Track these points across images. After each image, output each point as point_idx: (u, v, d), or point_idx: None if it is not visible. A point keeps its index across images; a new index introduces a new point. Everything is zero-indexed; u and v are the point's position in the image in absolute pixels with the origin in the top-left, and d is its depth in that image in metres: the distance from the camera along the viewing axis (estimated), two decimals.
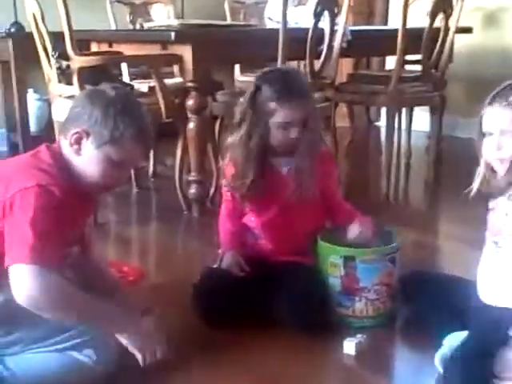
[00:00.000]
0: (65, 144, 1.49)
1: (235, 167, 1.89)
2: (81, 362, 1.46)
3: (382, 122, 4.41)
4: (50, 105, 3.23)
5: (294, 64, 3.49)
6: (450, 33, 3.30)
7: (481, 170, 1.59)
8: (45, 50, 2.81)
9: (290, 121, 1.81)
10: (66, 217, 1.40)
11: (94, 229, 1.78)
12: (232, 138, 1.91)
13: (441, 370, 1.53)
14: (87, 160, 1.48)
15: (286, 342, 1.73)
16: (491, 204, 1.63)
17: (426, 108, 3.58)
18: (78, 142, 1.46)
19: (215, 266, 1.96)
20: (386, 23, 4.98)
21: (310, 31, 2.82)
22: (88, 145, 1.46)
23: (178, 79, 3.15)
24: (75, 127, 1.46)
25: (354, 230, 1.89)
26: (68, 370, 1.45)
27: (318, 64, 2.99)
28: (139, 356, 1.51)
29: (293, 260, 1.89)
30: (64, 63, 2.72)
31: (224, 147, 1.99)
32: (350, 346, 1.68)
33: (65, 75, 2.76)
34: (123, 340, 1.50)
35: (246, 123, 1.84)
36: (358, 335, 1.71)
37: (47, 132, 3.50)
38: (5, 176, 1.42)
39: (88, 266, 1.68)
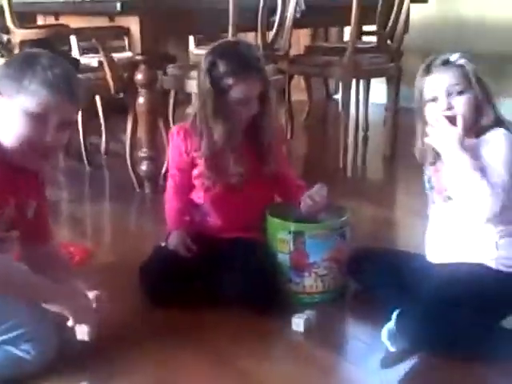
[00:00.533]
0: None
1: (198, 135, 1.83)
2: (18, 358, 1.39)
3: (341, 96, 4.37)
4: None
5: (251, 36, 3.42)
6: (405, 2, 3.26)
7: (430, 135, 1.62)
8: None
9: (248, 96, 1.78)
10: None
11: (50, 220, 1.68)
12: (192, 109, 1.89)
13: (388, 344, 1.51)
14: (4, 120, 1.39)
15: (234, 320, 1.69)
16: (435, 167, 1.67)
17: (383, 80, 3.54)
18: None
19: (163, 244, 1.91)
20: None
21: (262, 0, 2.75)
22: (1, 103, 1.39)
23: (129, 53, 3.06)
24: None
25: (310, 194, 1.84)
26: (5, 366, 1.39)
27: (271, 35, 2.93)
28: (71, 319, 1.46)
29: (242, 236, 1.85)
30: (5, 37, 2.62)
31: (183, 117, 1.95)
32: (298, 323, 1.65)
33: (7, 50, 2.66)
34: (56, 308, 1.46)
35: (205, 98, 1.79)
36: (307, 311, 1.68)
37: None
38: None
39: (36, 255, 1.59)
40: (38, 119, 1.39)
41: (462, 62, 1.60)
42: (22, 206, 1.50)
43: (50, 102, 1.39)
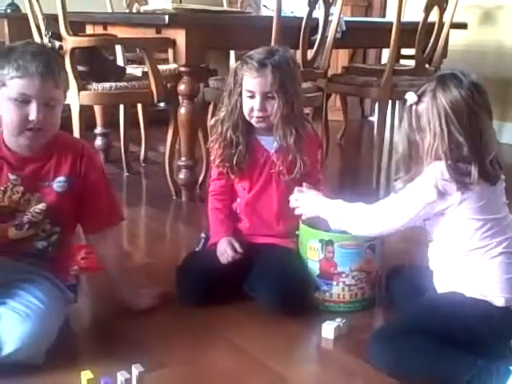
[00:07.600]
0: None
1: (223, 141, 1.89)
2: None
3: (376, 117, 4.41)
4: None
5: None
6: (445, 28, 3.31)
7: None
8: (38, 30, 2.82)
9: (253, 89, 1.81)
10: None
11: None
12: (218, 115, 1.93)
13: None
14: None
15: (264, 324, 1.74)
16: None
17: None
18: None
19: (197, 249, 1.98)
20: (384, 16, 4.98)
21: (304, 20, 2.82)
22: None
23: (173, 65, 3.16)
24: None
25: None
26: None
27: (311, 54, 3.00)
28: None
29: (271, 242, 1.90)
30: (57, 43, 2.73)
31: (211, 125, 1.98)
32: (328, 330, 1.69)
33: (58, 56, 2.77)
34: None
35: (229, 98, 1.86)
36: (338, 319, 1.72)
37: None
38: None
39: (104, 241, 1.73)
40: (20, 104, 1.48)
41: None
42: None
43: (26, 86, 1.47)
